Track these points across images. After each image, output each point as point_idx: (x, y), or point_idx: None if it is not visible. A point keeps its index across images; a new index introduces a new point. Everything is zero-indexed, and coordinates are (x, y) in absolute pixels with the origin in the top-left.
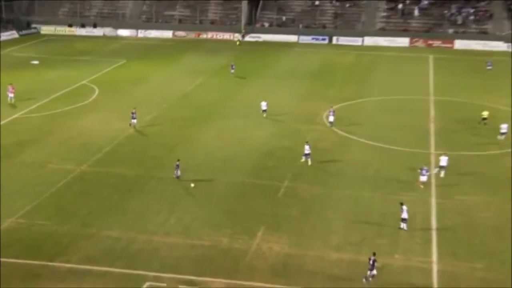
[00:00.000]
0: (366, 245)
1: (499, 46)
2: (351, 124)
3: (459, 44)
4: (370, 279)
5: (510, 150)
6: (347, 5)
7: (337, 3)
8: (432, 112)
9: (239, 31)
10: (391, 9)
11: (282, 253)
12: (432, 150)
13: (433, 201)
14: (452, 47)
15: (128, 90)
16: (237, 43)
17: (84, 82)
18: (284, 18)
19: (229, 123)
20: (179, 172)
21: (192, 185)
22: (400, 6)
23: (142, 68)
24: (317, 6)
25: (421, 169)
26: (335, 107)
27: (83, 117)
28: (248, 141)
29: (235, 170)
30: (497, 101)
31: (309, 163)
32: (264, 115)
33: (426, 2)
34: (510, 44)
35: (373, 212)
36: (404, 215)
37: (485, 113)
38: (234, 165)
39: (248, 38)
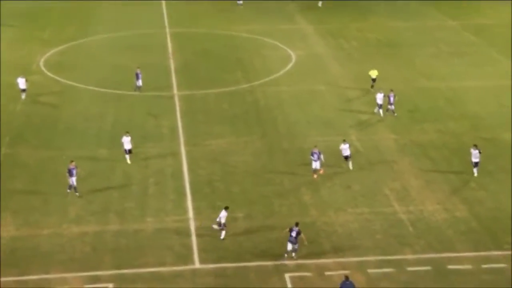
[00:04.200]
0: (112, 212)
1: None
2: (76, 70)
3: None
4: (293, 254)
5: (251, 84)
6: None
7: None
8: (171, 47)
9: None
10: None
11: (8, 237)
12: (175, 91)
13: (183, 150)
14: None
15: None
16: None
17: None
18: None
19: None
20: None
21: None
22: None
23: None
24: None
25: (312, 154)
26: (53, 50)
27: None
28: None
29: None
30: (238, 28)
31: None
32: (23, 96)
33: None
34: None
35: (116, 173)
36: None
37: (374, 73)
38: None
39: None
